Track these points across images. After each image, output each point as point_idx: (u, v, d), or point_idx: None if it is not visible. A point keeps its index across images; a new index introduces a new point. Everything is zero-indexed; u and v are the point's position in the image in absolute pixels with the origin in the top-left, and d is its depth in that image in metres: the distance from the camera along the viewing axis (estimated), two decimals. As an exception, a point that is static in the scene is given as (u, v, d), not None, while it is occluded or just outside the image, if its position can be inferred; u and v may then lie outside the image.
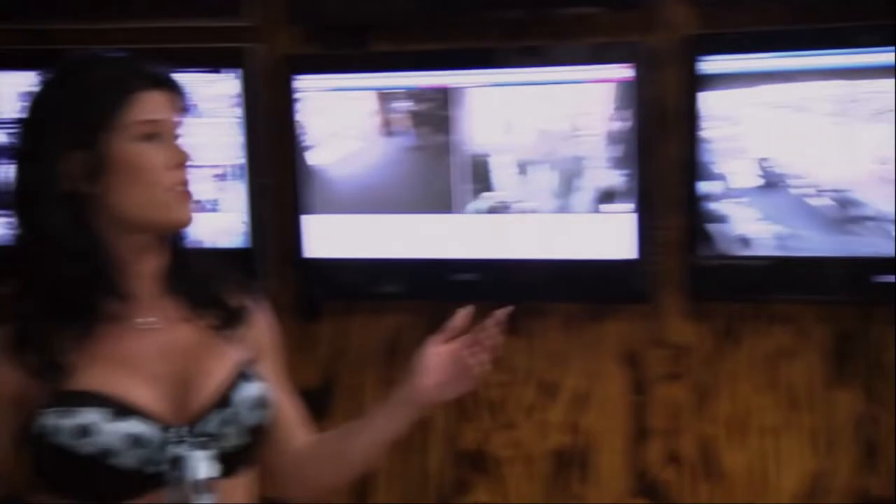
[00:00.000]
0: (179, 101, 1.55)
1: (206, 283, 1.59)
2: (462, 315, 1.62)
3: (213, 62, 2.32)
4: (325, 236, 2.30)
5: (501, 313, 1.60)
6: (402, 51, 2.32)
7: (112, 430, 1.44)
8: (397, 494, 2.42)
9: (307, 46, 2.38)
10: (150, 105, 1.50)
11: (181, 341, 1.55)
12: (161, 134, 1.51)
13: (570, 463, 2.33)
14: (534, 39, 2.24)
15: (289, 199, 2.34)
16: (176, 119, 1.54)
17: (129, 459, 1.45)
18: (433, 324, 2.35)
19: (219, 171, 2.34)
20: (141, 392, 1.48)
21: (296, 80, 2.28)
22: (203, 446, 1.49)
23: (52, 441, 1.45)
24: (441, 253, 2.24)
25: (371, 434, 1.61)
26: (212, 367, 1.54)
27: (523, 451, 2.35)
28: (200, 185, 2.29)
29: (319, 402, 2.41)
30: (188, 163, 1.53)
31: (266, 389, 1.58)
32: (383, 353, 2.41)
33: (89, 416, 1.44)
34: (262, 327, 1.66)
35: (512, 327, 2.27)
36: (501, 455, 2.36)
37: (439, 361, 1.60)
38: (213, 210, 2.35)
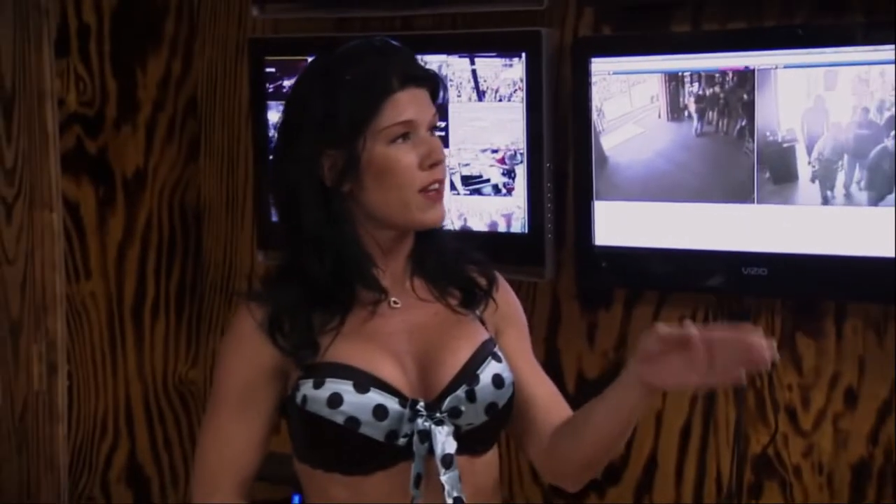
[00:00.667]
0: (437, 95, 1.55)
1: (449, 264, 1.60)
2: (687, 332, 1.41)
3: (505, 46, 2.31)
4: (614, 224, 2.24)
5: (759, 339, 1.38)
6: (702, 31, 2.22)
7: (358, 401, 1.47)
8: (679, 494, 2.34)
9: (600, 28, 2.33)
10: (406, 105, 1.50)
11: (425, 321, 1.57)
12: (416, 132, 1.51)
13: (869, 476, 2.16)
14: (847, 16, 2.09)
15: (575, 185, 2.30)
16: (432, 115, 1.53)
17: (374, 430, 1.47)
18: (718, 317, 2.27)
19: (505, 155, 2.33)
20: (386, 367, 1.51)
21: (592, 63, 2.22)
22: (441, 422, 1.49)
23: (309, 410, 1.49)
24: (731, 245, 2.13)
25: (606, 411, 1.53)
26: (454, 346, 1.54)
27: (817, 459, 2.21)
28: (488, 169, 2.35)
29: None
30: (442, 161, 1.52)
31: (505, 370, 1.56)
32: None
33: (339, 386, 1.48)
34: (505, 306, 1.63)
35: (808, 327, 2.20)
36: (793, 462, 2.22)
37: (663, 348, 1.43)
38: (498, 194, 2.35)
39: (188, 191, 2.87)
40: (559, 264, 2.39)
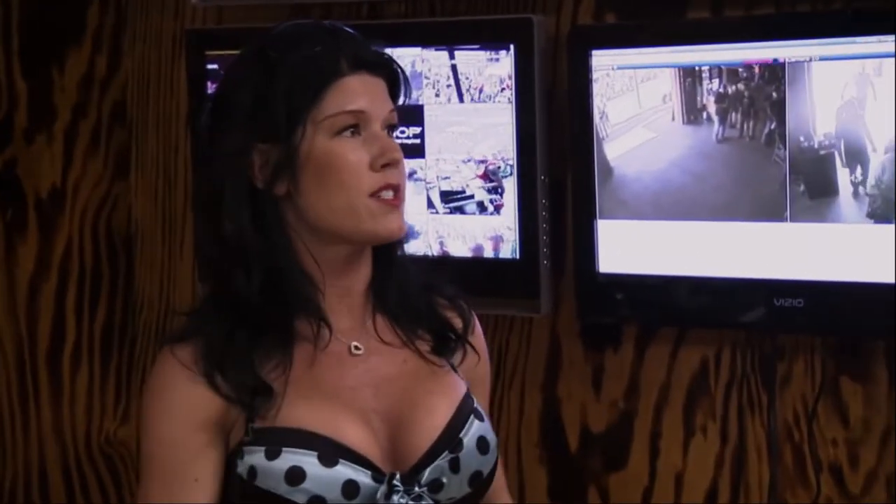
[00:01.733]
0: (396, 89, 1.54)
1: (415, 300, 1.58)
2: None
3: (490, 37, 2.33)
4: (622, 247, 2.26)
5: None
6: (723, 18, 2.25)
7: (324, 477, 1.45)
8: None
9: (602, 16, 2.36)
10: (357, 92, 1.49)
11: (393, 371, 1.55)
12: (367, 127, 1.50)
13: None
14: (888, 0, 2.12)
15: (575, 202, 2.32)
16: (388, 110, 1.52)
17: None
18: (747, 357, 2.28)
19: (491, 167, 2.35)
20: (354, 432, 1.48)
21: (592, 56, 2.24)
22: (420, 497, 1.48)
23: (259, 486, 1.46)
24: (761, 271, 2.15)
25: None
26: (430, 404, 1.53)
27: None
28: (471, 184, 2.36)
29: (613, 449, 2.39)
30: (398, 162, 1.50)
31: (489, 430, 1.56)
32: (686, 390, 2.34)
33: (300, 458, 1.45)
34: (476, 353, 1.63)
35: (854, 370, 2.21)
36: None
37: None
38: (484, 213, 2.37)
39: (116, 212, 2.89)
40: (558, 296, 2.40)
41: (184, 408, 1.49)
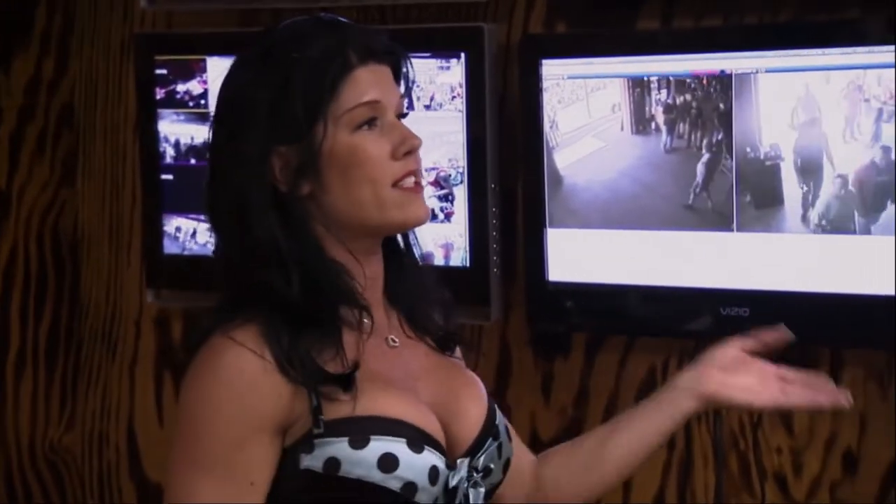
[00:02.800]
0: (402, 73, 1.55)
1: (422, 299, 1.61)
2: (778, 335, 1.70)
3: (441, 45, 2.35)
4: (571, 256, 2.28)
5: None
6: (671, 29, 2.28)
7: (414, 463, 1.46)
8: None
9: (553, 25, 2.38)
10: (370, 83, 1.49)
11: (425, 363, 1.59)
12: (383, 117, 1.50)
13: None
14: (839, 12, 2.16)
15: (525, 210, 2.34)
16: (398, 97, 1.53)
17: (427, 498, 1.47)
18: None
19: (441, 174, 2.37)
20: (428, 419, 1.50)
21: (543, 65, 2.27)
22: (476, 485, 1.51)
23: (346, 476, 1.44)
24: (708, 281, 2.18)
25: (637, 438, 1.64)
26: (469, 393, 1.58)
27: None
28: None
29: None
30: (417, 148, 1.52)
31: (504, 419, 1.61)
32: (634, 398, 2.35)
33: (390, 445, 1.45)
34: (461, 357, 1.69)
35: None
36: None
37: (738, 360, 1.67)
38: (434, 221, 2.39)
39: (62, 217, 2.88)
40: (508, 304, 2.42)
41: (252, 400, 1.43)
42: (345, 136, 1.48)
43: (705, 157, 2.17)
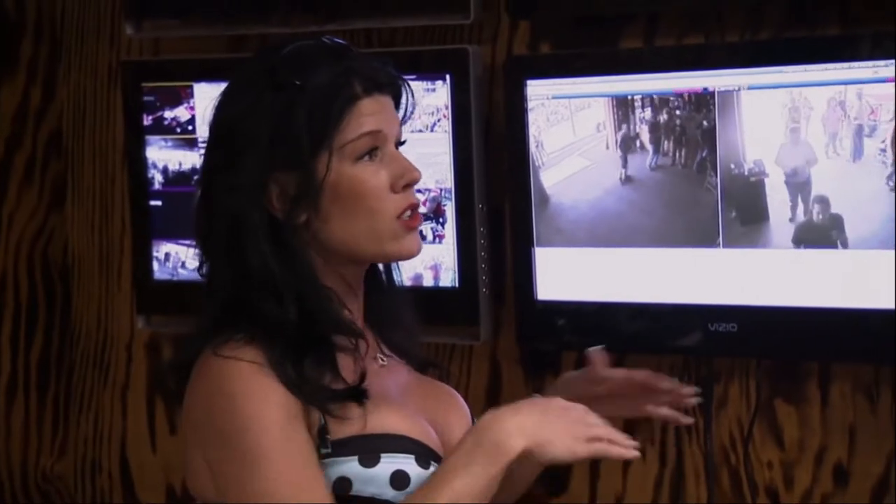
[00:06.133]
0: (403, 104, 1.57)
1: (399, 322, 1.65)
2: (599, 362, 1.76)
3: (427, 67, 2.37)
4: (559, 274, 2.31)
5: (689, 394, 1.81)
6: (654, 48, 2.31)
7: (424, 478, 1.47)
8: None
9: (537, 46, 2.41)
10: (373, 115, 1.50)
11: (408, 380, 1.62)
12: (384, 147, 1.51)
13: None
14: (820, 29, 2.19)
15: (513, 230, 2.37)
16: (398, 127, 1.55)
17: None
18: (683, 381, 2.33)
19: (430, 196, 2.40)
20: (430, 435, 1.53)
21: (528, 86, 2.30)
22: None
23: (358, 495, 1.46)
24: (695, 297, 2.20)
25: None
26: (451, 406, 1.62)
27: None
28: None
29: (554, 474, 2.43)
30: (416, 181, 1.54)
31: None
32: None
33: (400, 462, 1.47)
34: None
35: (788, 392, 2.28)
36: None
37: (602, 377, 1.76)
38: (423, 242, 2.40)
39: (52, 244, 2.89)
40: (497, 323, 2.44)
41: (278, 393, 1.44)
42: (346, 166, 1.49)
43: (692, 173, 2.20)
